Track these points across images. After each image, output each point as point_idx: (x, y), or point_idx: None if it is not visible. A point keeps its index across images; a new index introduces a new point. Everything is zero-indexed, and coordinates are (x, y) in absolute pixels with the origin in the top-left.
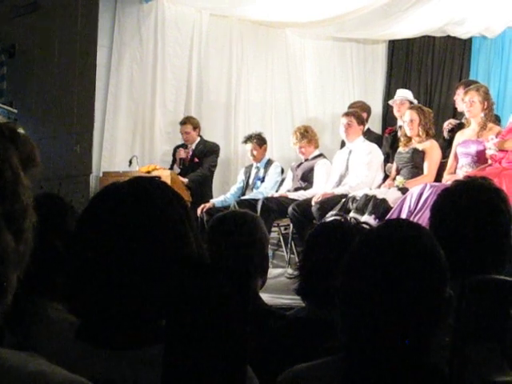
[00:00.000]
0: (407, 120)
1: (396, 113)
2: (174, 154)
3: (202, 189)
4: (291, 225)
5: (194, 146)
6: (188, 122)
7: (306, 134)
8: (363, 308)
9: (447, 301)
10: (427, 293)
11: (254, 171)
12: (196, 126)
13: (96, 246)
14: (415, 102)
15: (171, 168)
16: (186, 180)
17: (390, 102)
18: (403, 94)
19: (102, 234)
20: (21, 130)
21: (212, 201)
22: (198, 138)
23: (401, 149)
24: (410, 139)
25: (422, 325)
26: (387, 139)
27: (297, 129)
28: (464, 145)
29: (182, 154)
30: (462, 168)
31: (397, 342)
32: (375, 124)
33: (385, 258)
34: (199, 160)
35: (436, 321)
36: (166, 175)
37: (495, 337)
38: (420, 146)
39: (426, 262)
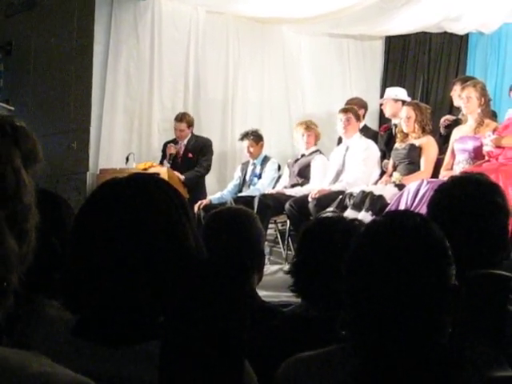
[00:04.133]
0: (404, 116)
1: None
2: (163, 150)
3: (196, 186)
4: (288, 221)
5: (185, 142)
6: (184, 119)
7: (313, 128)
8: (371, 297)
9: (453, 289)
10: (435, 280)
11: (250, 168)
12: (190, 124)
13: (94, 242)
14: (406, 98)
15: (161, 163)
16: (182, 177)
17: (380, 101)
18: (387, 94)
19: (100, 230)
20: (22, 124)
21: (209, 197)
22: (190, 134)
23: (397, 145)
24: (406, 135)
25: (432, 312)
26: (382, 137)
27: (303, 121)
28: (461, 141)
29: (171, 149)
30: (459, 164)
31: (407, 332)
32: (372, 120)
33: (392, 246)
34: (193, 155)
35: (445, 309)
36: (163, 172)
37: (493, 331)
38: (417, 142)
39: (434, 249)
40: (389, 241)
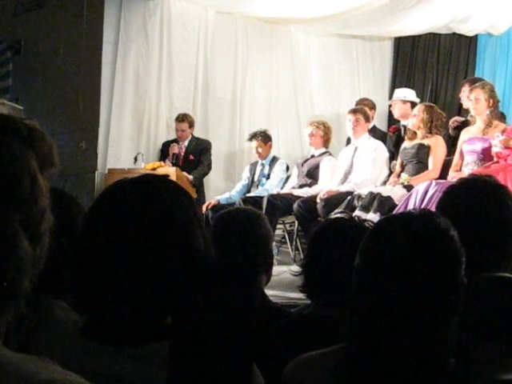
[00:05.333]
0: (415, 113)
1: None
2: (163, 150)
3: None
4: (296, 222)
5: (186, 143)
6: (185, 120)
7: (324, 129)
8: (380, 291)
9: (461, 288)
10: (444, 276)
11: (259, 168)
12: (192, 125)
13: (102, 242)
14: (415, 100)
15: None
16: (191, 177)
17: (389, 103)
18: (396, 95)
19: (109, 231)
20: (38, 127)
21: (217, 198)
22: (190, 136)
23: (406, 144)
24: (415, 133)
25: (439, 310)
26: (391, 138)
27: (314, 120)
28: (469, 142)
29: (175, 149)
30: (467, 165)
31: (413, 328)
32: (381, 121)
33: (402, 242)
34: (194, 157)
35: (452, 307)
36: (171, 172)
37: (502, 335)
38: (425, 142)
39: (442, 245)
40: (399, 237)
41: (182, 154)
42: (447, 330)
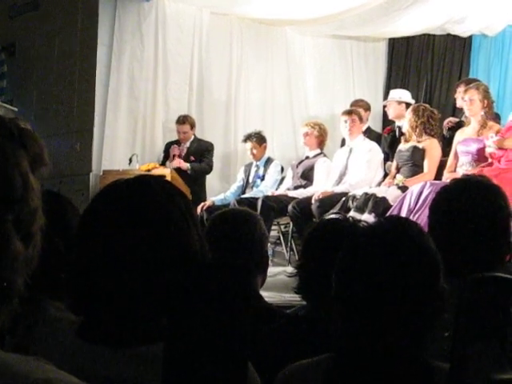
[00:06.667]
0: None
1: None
2: (165, 151)
3: (197, 188)
4: (291, 223)
5: (188, 144)
6: (186, 121)
7: (319, 130)
8: (355, 304)
9: (441, 294)
10: (418, 286)
11: (253, 169)
12: (193, 126)
13: (98, 243)
14: (409, 101)
15: (163, 164)
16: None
17: (384, 103)
18: (391, 95)
19: (105, 232)
20: (28, 127)
21: (212, 199)
22: (192, 136)
23: (401, 146)
24: (410, 136)
25: (415, 320)
26: (386, 139)
27: (309, 121)
28: (464, 143)
29: (175, 151)
30: (462, 166)
31: (390, 338)
32: (375, 122)
33: (372, 254)
34: (195, 159)
35: (429, 315)
36: (166, 173)
37: (496, 335)
38: (420, 144)
39: (414, 255)
40: (367, 247)
41: (183, 155)
42: (432, 337)
